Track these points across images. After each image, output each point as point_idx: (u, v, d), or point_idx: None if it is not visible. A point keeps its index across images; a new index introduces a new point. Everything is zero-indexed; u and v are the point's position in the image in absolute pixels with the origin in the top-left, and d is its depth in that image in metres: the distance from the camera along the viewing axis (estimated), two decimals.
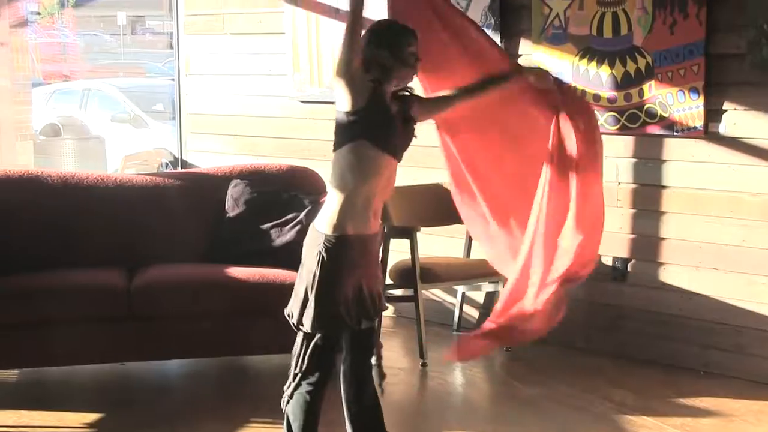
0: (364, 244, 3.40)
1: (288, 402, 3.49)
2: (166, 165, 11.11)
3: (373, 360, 3.65)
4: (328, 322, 3.38)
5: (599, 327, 5.42)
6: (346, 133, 3.37)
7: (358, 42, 3.39)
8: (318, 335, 3.41)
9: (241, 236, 5.15)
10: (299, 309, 3.42)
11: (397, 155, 3.43)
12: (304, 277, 3.41)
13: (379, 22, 3.55)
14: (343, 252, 3.34)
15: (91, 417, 4.56)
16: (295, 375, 3.46)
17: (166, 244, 5.16)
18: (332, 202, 3.37)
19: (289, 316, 3.47)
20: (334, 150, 3.40)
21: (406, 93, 3.51)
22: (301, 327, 3.41)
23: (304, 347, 3.43)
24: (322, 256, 3.33)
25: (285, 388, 3.50)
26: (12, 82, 9.25)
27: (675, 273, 5.15)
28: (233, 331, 4.77)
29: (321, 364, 3.45)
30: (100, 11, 31.23)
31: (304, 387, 3.46)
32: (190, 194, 5.37)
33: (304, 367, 3.44)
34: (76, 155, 11.53)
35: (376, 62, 3.41)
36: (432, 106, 3.61)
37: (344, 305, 3.37)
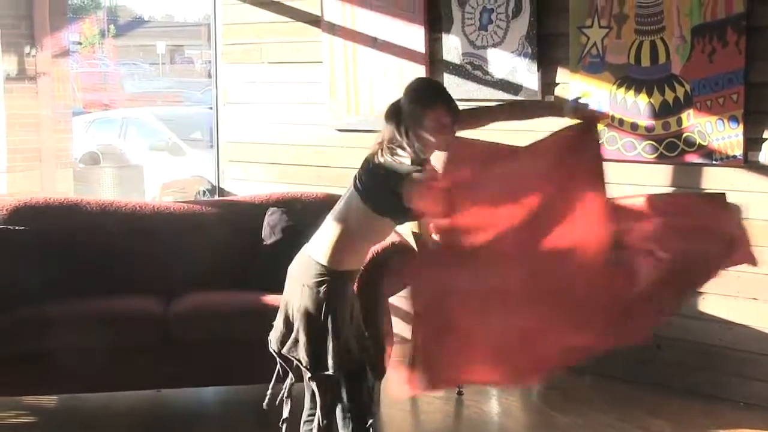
0: (354, 278, 3.46)
1: None
2: (204, 193, 11.18)
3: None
4: (349, 356, 3.35)
5: (637, 357, 5.37)
6: (393, 212, 3.34)
7: None
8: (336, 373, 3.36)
9: (277, 264, 5.15)
10: (309, 352, 3.35)
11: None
12: (299, 313, 3.35)
13: (421, 87, 3.52)
14: (344, 286, 3.35)
15: None
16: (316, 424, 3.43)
17: (203, 272, 5.19)
18: (335, 238, 3.35)
19: (299, 361, 3.40)
20: (363, 201, 3.33)
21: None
22: (322, 371, 3.35)
23: (323, 390, 3.38)
24: (324, 294, 3.31)
25: None
26: (53, 111, 9.38)
27: (714, 303, 5.10)
28: (269, 358, 4.77)
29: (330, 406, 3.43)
30: (140, 41, 31.66)
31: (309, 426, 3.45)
32: (227, 222, 5.40)
33: (327, 411, 3.40)
34: (115, 183, 11.64)
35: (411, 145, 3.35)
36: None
37: (354, 340, 3.37)
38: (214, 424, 5.00)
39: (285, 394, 3.61)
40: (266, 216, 5.34)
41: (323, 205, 5.39)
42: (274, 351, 3.48)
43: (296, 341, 3.37)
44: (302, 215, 5.30)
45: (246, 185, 6.69)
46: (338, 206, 3.43)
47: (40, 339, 4.66)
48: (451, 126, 3.37)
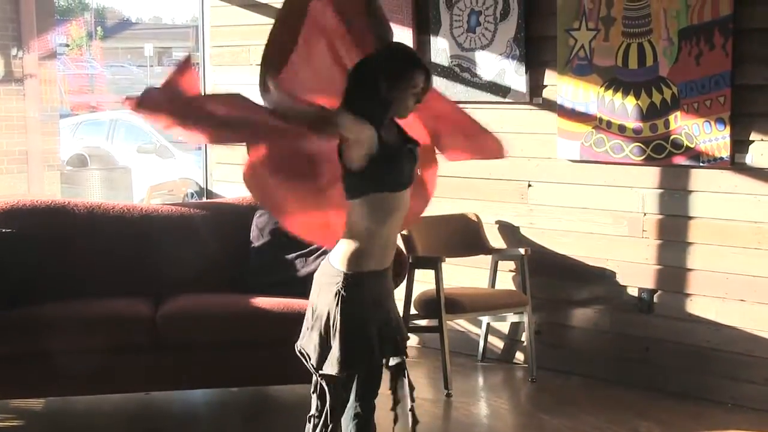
0: (382, 277, 3.30)
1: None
2: (192, 195, 11.16)
3: (409, 402, 3.49)
4: (358, 358, 3.28)
5: (625, 359, 5.38)
6: (356, 187, 3.15)
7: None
8: (341, 375, 3.28)
9: (266, 266, 5.16)
10: (317, 352, 3.29)
11: (410, 184, 3.27)
12: (318, 315, 3.28)
13: (377, 52, 3.25)
14: (362, 289, 3.24)
15: None
16: (322, 423, 3.38)
17: (192, 274, 5.18)
18: (351, 241, 3.22)
19: (305, 356, 3.34)
20: (347, 198, 3.17)
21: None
22: (321, 371, 3.28)
23: (327, 391, 3.29)
24: (342, 295, 3.21)
25: None
26: (40, 113, 9.37)
27: (702, 304, 5.12)
28: (258, 361, 4.77)
29: (338, 407, 3.36)
30: (128, 43, 31.58)
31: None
32: (216, 224, 5.39)
33: (328, 412, 3.30)
34: (103, 185, 11.61)
35: (375, 99, 3.14)
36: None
37: (370, 341, 3.27)
38: (202, 426, 4.98)
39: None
40: (255, 218, 5.33)
41: None
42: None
43: (310, 338, 3.34)
44: None
45: (234, 187, 6.67)
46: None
47: (27, 341, 4.64)
48: (420, 97, 3.19)
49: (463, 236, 5.70)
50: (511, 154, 5.61)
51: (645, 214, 5.25)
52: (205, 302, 4.92)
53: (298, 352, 3.36)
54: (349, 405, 3.40)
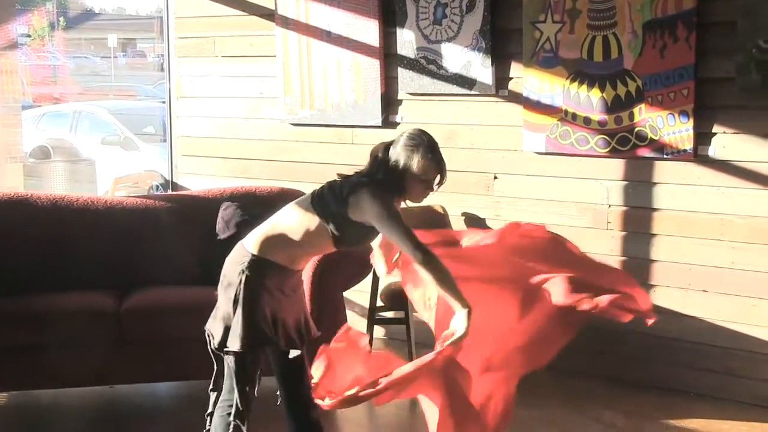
0: (286, 276, 3.46)
1: (211, 426, 3.52)
2: (157, 187, 11.10)
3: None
4: (260, 335, 3.40)
5: (590, 350, 5.41)
6: (339, 234, 3.38)
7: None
8: (245, 353, 3.41)
9: None
10: (222, 330, 3.45)
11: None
12: (226, 295, 3.45)
13: (421, 136, 3.45)
14: (265, 272, 3.40)
15: None
16: (224, 399, 3.49)
17: (157, 267, 5.15)
18: (277, 236, 3.42)
19: (209, 336, 3.50)
20: (319, 215, 3.38)
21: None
22: (226, 349, 3.43)
23: (236, 369, 3.44)
24: (246, 274, 3.39)
25: (207, 415, 3.55)
26: (1, 105, 9.26)
27: (665, 295, 5.16)
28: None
29: (247, 386, 3.45)
30: (91, 34, 31.31)
31: (226, 410, 3.47)
32: (181, 217, 5.36)
33: (238, 389, 3.45)
34: (66, 177, 11.53)
35: (398, 177, 3.38)
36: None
37: (266, 323, 3.40)
38: (167, 419, 4.96)
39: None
40: (220, 210, 5.31)
41: (277, 199, 5.40)
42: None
43: (215, 317, 3.49)
44: (256, 210, 5.28)
45: (200, 180, 6.65)
46: (286, 207, 3.48)
47: None
48: (432, 186, 3.45)
49: (430, 228, 5.69)
50: (477, 146, 5.65)
51: (610, 206, 5.29)
52: (169, 295, 4.90)
53: (206, 335, 3.52)
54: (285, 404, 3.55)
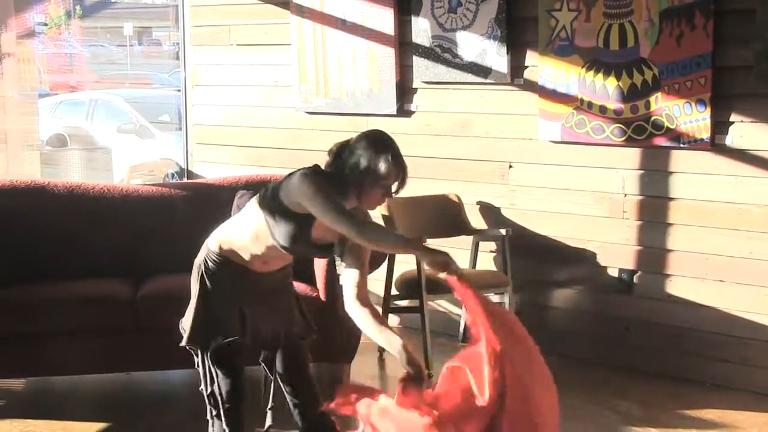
0: (249, 276, 3.38)
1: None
2: (172, 175, 11.13)
3: (270, 402, 3.65)
4: (204, 334, 3.40)
5: (605, 339, 5.41)
6: (280, 218, 3.23)
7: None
8: (210, 350, 3.41)
9: None
10: (190, 325, 3.45)
11: (300, 258, 3.50)
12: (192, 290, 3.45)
13: (384, 139, 3.24)
14: (224, 271, 3.37)
15: (97, 426, 4.57)
16: (209, 398, 3.46)
17: (172, 255, 5.14)
18: (239, 237, 3.36)
19: (183, 331, 3.49)
20: (261, 207, 3.28)
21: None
22: (190, 344, 3.45)
23: (205, 365, 3.45)
24: (202, 270, 3.39)
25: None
26: (19, 93, 9.29)
27: (681, 285, 5.15)
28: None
29: (213, 384, 3.44)
30: (107, 22, 31.33)
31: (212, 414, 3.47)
32: (196, 205, 5.37)
33: (214, 388, 3.43)
34: (83, 165, 11.57)
35: (358, 178, 3.17)
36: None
37: (223, 321, 3.37)
38: (182, 406, 4.97)
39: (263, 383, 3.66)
40: (235, 198, 5.30)
41: None
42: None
43: (187, 313, 3.49)
44: None
45: (215, 168, 6.66)
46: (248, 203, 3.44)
47: (7, 323, 4.62)
48: (389, 194, 3.23)
49: (444, 217, 5.70)
50: (492, 135, 5.64)
51: (625, 195, 5.27)
52: (185, 283, 4.89)
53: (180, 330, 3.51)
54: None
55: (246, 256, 3.37)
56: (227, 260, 3.37)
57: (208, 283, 3.38)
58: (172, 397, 5.14)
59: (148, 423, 4.62)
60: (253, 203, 3.36)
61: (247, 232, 3.34)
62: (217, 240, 3.42)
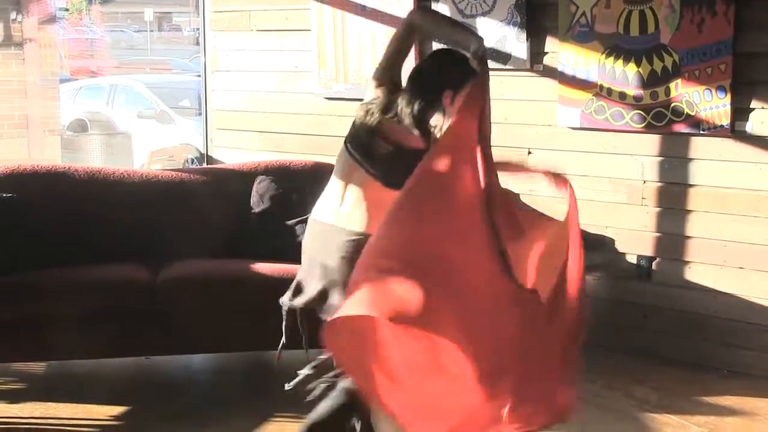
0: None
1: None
2: (192, 161, 11.18)
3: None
4: None
5: (623, 325, 5.41)
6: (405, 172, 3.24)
7: None
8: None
9: (265, 232, 5.17)
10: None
11: None
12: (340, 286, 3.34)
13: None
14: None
15: (118, 410, 4.60)
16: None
17: (191, 240, 5.19)
18: (368, 212, 3.35)
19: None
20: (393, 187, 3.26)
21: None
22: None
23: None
24: (352, 257, 3.28)
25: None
26: (40, 78, 9.35)
27: (700, 272, 5.14)
28: (257, 326, 4.78)
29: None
30: (127, 8, 31.41)
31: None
32: (216, 190, 5.40)
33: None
34: (103, 150, 11.62)
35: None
36: None
37: None
38: (201, 391, 5.02)
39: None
40: (255, 184, 5.34)
41: (312, 173, 5.42)
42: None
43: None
44: (291, 183, 5.31)
45: (234, 153, 6.68)
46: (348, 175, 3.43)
47: (28, 306, 4.66)
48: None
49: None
50: (511, 121, 5.63)
51: (645, 182, 5.25)
52: (204, 268, 4.93)
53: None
54: None
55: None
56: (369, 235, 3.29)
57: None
58: (192, 381, 5.18)
59: (167, 406, 4.65)
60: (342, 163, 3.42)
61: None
62: (356, 219, 3.39)
